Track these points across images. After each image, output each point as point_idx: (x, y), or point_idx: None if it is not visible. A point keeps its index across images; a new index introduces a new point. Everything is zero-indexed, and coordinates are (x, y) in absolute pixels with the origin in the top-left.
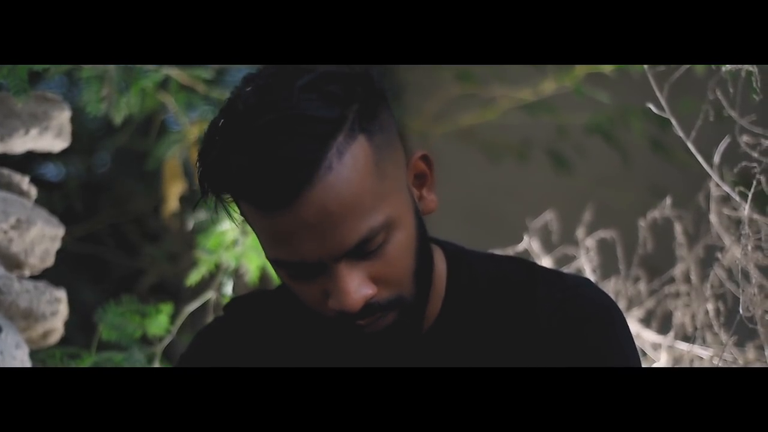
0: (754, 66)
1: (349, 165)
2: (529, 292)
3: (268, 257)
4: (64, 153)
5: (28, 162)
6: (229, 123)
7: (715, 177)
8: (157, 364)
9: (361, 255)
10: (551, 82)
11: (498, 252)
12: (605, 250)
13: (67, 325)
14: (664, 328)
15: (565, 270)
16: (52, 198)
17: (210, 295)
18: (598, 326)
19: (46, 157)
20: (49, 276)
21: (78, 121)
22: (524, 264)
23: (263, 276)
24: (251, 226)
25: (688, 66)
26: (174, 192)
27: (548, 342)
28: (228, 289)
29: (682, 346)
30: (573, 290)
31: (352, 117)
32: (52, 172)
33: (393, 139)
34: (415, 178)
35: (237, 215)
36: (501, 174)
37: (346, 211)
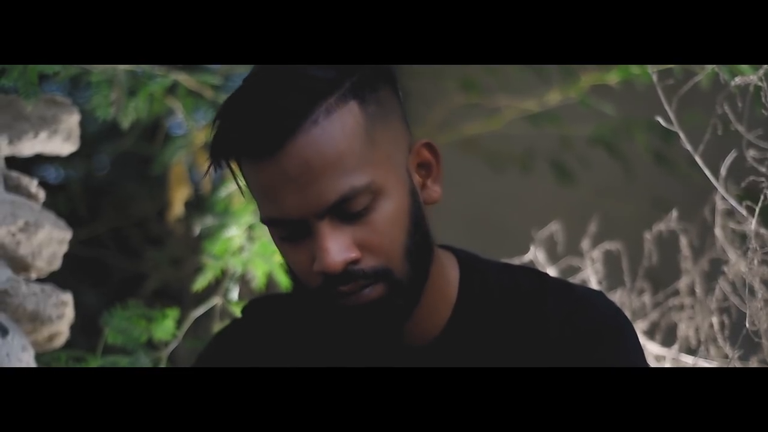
0: (763, 80)
1: (336, 124)
2: (539, 303)
3: (262, 220)
4: (66, 156)
5: (29, 164)
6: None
7: (721, 191)
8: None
9: (344, 217)
10: (556, 93)
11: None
12: (609, 261)
13: (70, 328)
14: (668, 340)
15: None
16: (56, 201)
17: (216, 300)
18: (607, 338)
19: (47, 159)
20: (51, 278)
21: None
22: (536, 274)
23: (270, 282)
24: (249, 189)
25: (697, 79)
26: (179, 197)
27: (557, 353)
28: (234, 295)
29: (687, 358)
30: (582, 302)
31: (348, 84)
32: (52, 174)
33: (391, 116)
34: (420, 167)
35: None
36: (504, 184)
37: (327, 166)
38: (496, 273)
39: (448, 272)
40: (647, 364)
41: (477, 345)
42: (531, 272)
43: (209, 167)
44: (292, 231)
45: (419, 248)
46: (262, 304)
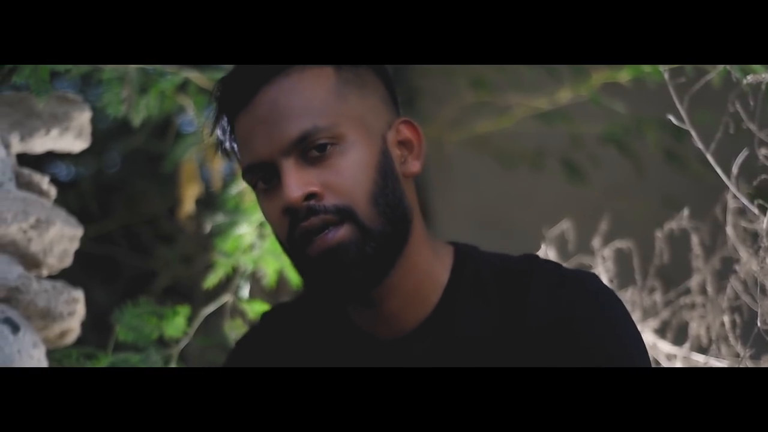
0: None
1: (307, 77)
2: (525, 282)
3: (243, 175)
4: (76, 153)
5: (40, 161)
6: None
7: (733, 189)
8: (173, 366)
9: (309, 159)
10: (567, 92)
11: None
12: (620, 260)
13: (81, 325)
14: (679, 339)
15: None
16: (67, 198)
17: (227, 298)
18: (590, 313)
19: (57, 156)
20: (62, 275)
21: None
22: (528, 257)
23: (280, 280)
24: (238, 152)
25: (709, 77)
26: (190, 194)
27: (540, 328)
28: (245, 292)
29: (698, 357)
30: (568, 280)
31: None
32: (62, 172)
33: (370, 90)
34: (401, 144)
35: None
36: (514, 182)
37: (293, 107)
38: (489, 259)
39: (442, 259)
40: (634, 339)
41: (465, 325)
42: (526, 257)
43: (211, 132)
44: (264, 177)
45: (389, 203)
46: (280, 311)
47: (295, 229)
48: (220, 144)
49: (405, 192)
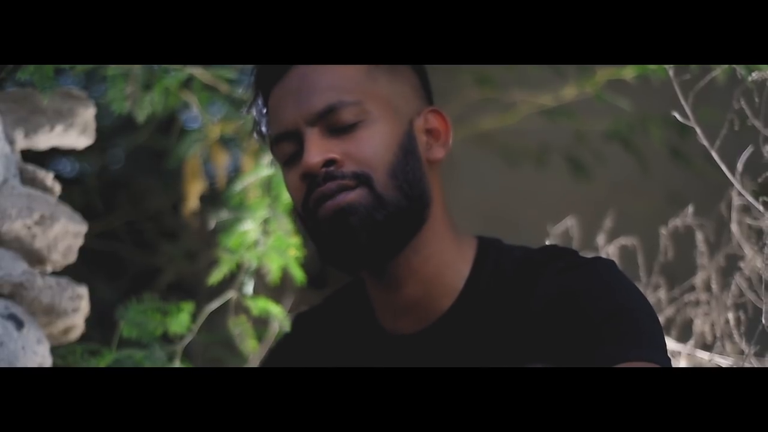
0: None
1: None
2: (541, 271)
3: (270, 147)
4: (81, 149)
5: (44, 158)
6: None
7: (738, 186)
8: (177, 363)
9: (333, 131)
10: (572, 88)
11: None
12: (625, 257)
13: (84, 321)
14: (683, 336)
15: None
16: (71, 195)
17: (231, 294)
18: (590, 281)
19: (61, 153)
20: (66, 272)
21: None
22: (549, 248)
23: (285, 276)
24: (270, 126)
25: (714, 74)
26: (194, 191)
27: (544, 305)
28: (249, 289)
29: (702, 354)
30: (581, 264)
31: None
32: (66, 168)
33: (402, 78)
34: (428, 132)
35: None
36: (519, 179)
37: (322, 81)
38: (511, 251)
39: (465, 250)
40: (636, 301)
41: (485, 315)
42: (545, 247)
43: (249, 107)
44: (290, 146)
45: (408, 179)
46: (307, 316)
47: (311, 194)
48: (256, 126)
49: (426, 175)
